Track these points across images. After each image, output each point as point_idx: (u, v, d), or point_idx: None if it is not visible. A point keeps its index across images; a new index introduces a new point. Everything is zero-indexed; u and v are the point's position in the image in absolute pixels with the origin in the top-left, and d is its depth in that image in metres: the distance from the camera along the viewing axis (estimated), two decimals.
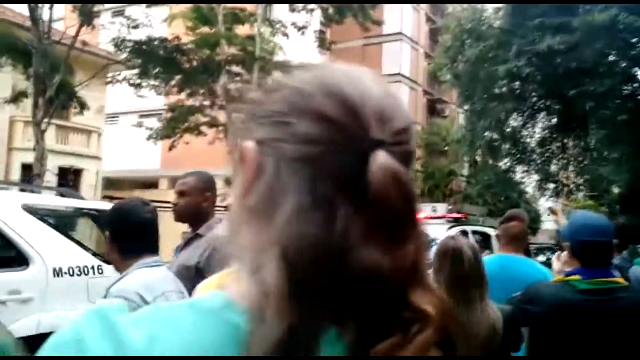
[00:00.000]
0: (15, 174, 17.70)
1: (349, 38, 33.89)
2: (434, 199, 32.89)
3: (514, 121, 22.56)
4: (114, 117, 26.78)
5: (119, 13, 15.73)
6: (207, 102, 16.49)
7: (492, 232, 10.66)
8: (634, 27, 14.83)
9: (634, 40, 16.65)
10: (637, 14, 14.51)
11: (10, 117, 17.23)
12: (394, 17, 36.61)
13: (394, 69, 36.94)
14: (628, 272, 3.78)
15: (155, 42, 15.32)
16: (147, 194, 17.19)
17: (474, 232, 10.03)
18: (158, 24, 17.86)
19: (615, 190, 28.56)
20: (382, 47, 37.44)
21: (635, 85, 18.25)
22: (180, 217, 2.82)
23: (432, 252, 2.48)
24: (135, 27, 15.07)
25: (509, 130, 22.47)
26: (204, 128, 17.63)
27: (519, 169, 24.01)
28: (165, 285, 2.01)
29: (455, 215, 11.46)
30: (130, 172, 27.41)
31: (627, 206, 23.98)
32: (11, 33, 12.48)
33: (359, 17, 16.46)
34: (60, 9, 14.91)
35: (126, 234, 2.11)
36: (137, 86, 16.10)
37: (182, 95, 17.13)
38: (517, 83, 20.24)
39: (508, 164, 23.76)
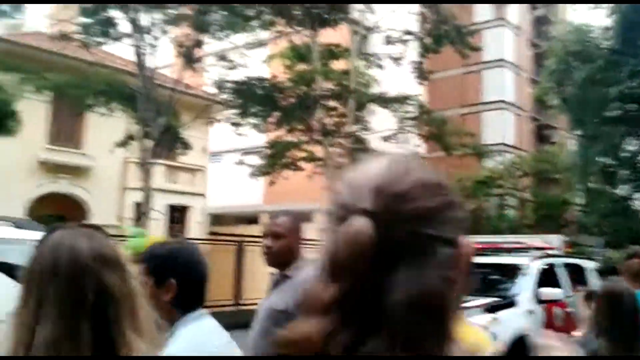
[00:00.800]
0: (128, 212, 18.73)
1: (448, 67, 33.34)
2: (547, 229, 31.06)
3: (631, 145, 20.92)
4: (217, 155, 27.83)
5: (221, 57, 16.40)
6: (304, 138, 16.67)
7: (587, 264, 9.64)
8: None
9: None
10: None
11: (124, 158, 18.33)
12: (494, 44, 35.65)
13: (496, 96, 35.78)
14: None
15: (253, 82, 15.75)
16: (250, 229, 17.57)
17: (566, 265, 8.97)
18: (258, 65, 18.49)
19: None
20: (482, 74, 36.46)
21: None
22: (275, 261, 2.69)
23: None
24: (233, 68, 15.58)
25: (625, 155, 20.86)
26: (301, 163, 17.80)
27: (638, 195, 22.16)
28: (216, 341, 1.84)
29: (541, 245, 10.03)
30: (234, 208, 28.23)
31: None
32: (119, 79, 13.30)
33: (457, 45, 16.03)
34: (166, 55, 15.76)
35: (194, 284, 1.90)
36: (237, 125, 16.59)
37: (281, 132, 17.45)
38: (633, 105, 18.80)
39: (626, 191, 21.98)
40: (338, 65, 17.38)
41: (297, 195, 24.97)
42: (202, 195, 21.77)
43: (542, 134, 39.18)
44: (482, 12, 33.98)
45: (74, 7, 13.82)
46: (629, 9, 16.87)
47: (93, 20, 13.20)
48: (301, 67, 16.96)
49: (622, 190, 22.28)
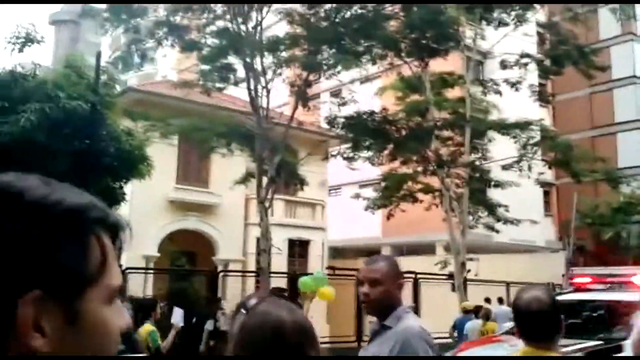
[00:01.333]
0: (252, 247, 19.34)
1: (574, 88, 31.50)
2: None
3: None
4: (336, 189, 28.12)
5: (335, 93, 16.70)
6: (419, 169, 16.35)
7: None
8: None
9: None
10: None
11: (246, 195, 19.04)
12: (624, 60, 33.26)
13: (631, 116, 33.16)
14: None
15: (364, 116, 15.76)
16: None
17: None
18: (370, 98, 18.56)
19: None
20: (613, 93, 34.00)
21: None
22: (374, 309, 2.53)
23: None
24: (344, 104, 15.74)
25: None
26: (419, 194, 17.45)
27: None
28: None
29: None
30: (354, 241, 28.27)
31: None
32: (237, 121, 13.91)
33: (581, 66, 15.05)
34: (281, 95, 16.29)
35: None
36: (350, 159, 16.64)
37: (395, 164, 17.27)
38: None
39: None
40: (453, 93, 16.98)
41: (416, 227, 24.48)
42: (321, 229, 22.01)
43: None
44: (608, 28, 31.83)
45: (195, 56, 14.74)
46: None
47: (212, 66, 13.97)
48: (413, 97, 16.77)
49: None
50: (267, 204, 13.14)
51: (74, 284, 0.62)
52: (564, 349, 5.83)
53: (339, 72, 14.36)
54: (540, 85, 17.82)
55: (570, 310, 7.83)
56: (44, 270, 0.60)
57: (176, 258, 17.39)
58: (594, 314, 7.23)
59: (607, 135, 33.33)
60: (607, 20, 26.09)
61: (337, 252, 26.59)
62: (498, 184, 16.71)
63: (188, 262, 18.05)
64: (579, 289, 7.97)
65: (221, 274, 16.84)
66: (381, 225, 27.12)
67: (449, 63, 16.80)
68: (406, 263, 18.85)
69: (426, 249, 24.26)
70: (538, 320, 2.35)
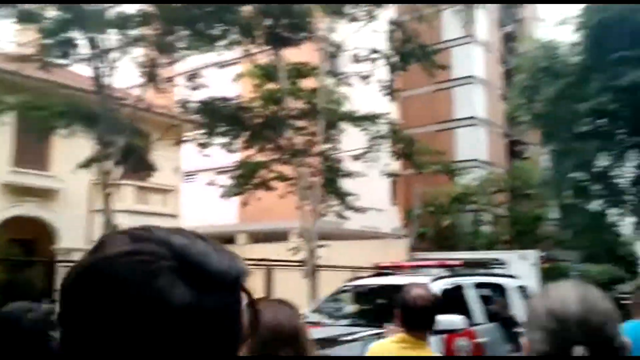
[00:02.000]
0: (97, 235, 18.23)
1: (419, 85, 33.56)
2: (522, 245, 31.16)
3: (603, 160, 21.08)
4: (192, 175, 27.47)
5: (189, 77, 16.19)
6: (274, 157, 16.44)
7: (508, 282, 8.38)
8: None
9: None
10: None
11: (91, 180, 17.91)
12: (463, 61, 36.01)
13: (467, 113, 36.05)
14: None
15: (218, 101, 15.49)
16: None
17: (479, 285, 7.49)
18: (228, 84, 18.30)
19: None
20: (453, 91, 36.76)
21: None
22: None
23: None
24: (196, 88, 15.37)
25: (597, 170, 21.00)
26: (273, 182, 17.55)
27: (613, 211, 22.28)
28: None
29: (443, 262, 8.29)
30: (209, 228, 27.83)
31: None
32: (79, 100, 12.98)
33: (424, 64, 16.02)
34: (133, 76, 15.50)
35: None
36: (204, 145, 16.28)
37: (251, 152, 17.22)
38: (603, 120, 18.97)
39: (600, 206, 22.10)
40: (307, 84, 17.27)
41: (270, 214, 24.71)
42: (174, 216, 21.36)
43: (514, 150, 39.53)
44: (451, 30, 34.34)
45: (35, 28, 13.50)
46: (595, 25, 17.07)
47: (53, 40, 12.87)
48: (269, 86, 16.81)
49: (595, 205, 22.40)
50: (111, 190, 12.43)
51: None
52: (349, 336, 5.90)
53: (192, 55, 13.96)
54: (389, 81, 18.74)
55: (366, 296, 7.93)
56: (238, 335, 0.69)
57: (9, 247, 15.92)
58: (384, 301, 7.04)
59: (447, 130, 35.98)
60: (449, 23, 28.09)
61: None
62: (348, 174, 17.30)
63: (24, 251, 16.66)
64: (380, 273, 8.00)
65: (59, 264, 15.67)
66: (237, 212, 27.02)
67: (305, 53, 17.04)
68: (260, 250, 19.00)
69: (280, 236, 24.55)
70: (421, 314, 2.79)
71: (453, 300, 6.69)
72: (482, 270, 8.89)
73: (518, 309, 7.65)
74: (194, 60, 15.64)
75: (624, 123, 18.60)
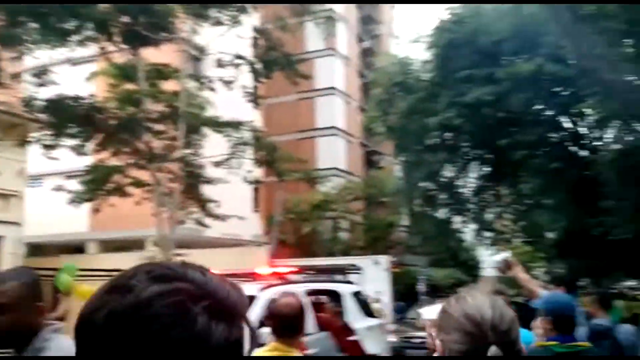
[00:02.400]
0: None
1: (283, 93, 33.90)
2: (375, 251, 32.56)
3: (449, 171, 22.66)
4: (38, 179, 25.34)
5: (40, 74, 14.84)
6: (130, 162, 15.57)
7: (343, 288, 8.25)
8: (558, 77, 15.14)
9: (558, 89, 17.05)
10: (562, 62, 14.84)
11: None
12: (325, 73, 37.04)
13: (329, 123, 37.06)
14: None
15: (68, 101, 14.34)
16: (75, 259, 15.93)
17: (313, 292, 7.19)
18: (82, 83, 17.07)
19: (551, 235, 28.95)
20: (315, 101, 37.62)
21: (563, 133, 18.64)
22: (3, 340, 2.02)
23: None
24: (42, 85, 14.17)
25: (443, 180, 22.53)
26: (130, 188, 16.66)
27: (457, 218, 24.00)
28: None
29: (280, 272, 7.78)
30: (57, 236, 25.82)
31: (564, 251, 24.21)
32: None
33: (287, 72, 16.16)
34: None
35: None
36: (50, 147, 14.99)
37: (105, 155, 16.19)
38: (449, 134, 20.38)
39: (446, 214, 23.72)
40: (169, 86, 16.67)
41: (125, 222, 23.42)
42: (17, 223, 19.44)
43: (371, 160, 41.32)
44: (314, 42, 35.23)
45: None
46: (445, 44, 18.32)
47: None
48: (127, 86, 15.97)
49: (442, 213, 23.96)
50: None
51: None
52: None
53: (41, 50, 12.81)
54: (253, 87, 18.70)
55: None
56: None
57: None
58: None
59: (309, 139, 36.71)
60: (313, 34, 28.78)
61: (36, 249, 23.91)
62: (209, 181, 16.92)
63: None
64: None
65: None
66: (88, 219, 25.30)
67: (166, 55, 16.43)
68: (112, 260, 17.90)
69: (136, 245, 23.39)
70: (289, 321, 2.89)
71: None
72: (321, 277, 8.86)
73: (354, 315, 7.75)
74: (44, 55, 14.39)
75: (467, 137, 20.12)
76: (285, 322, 2.90)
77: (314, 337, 6.66)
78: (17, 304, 1.98)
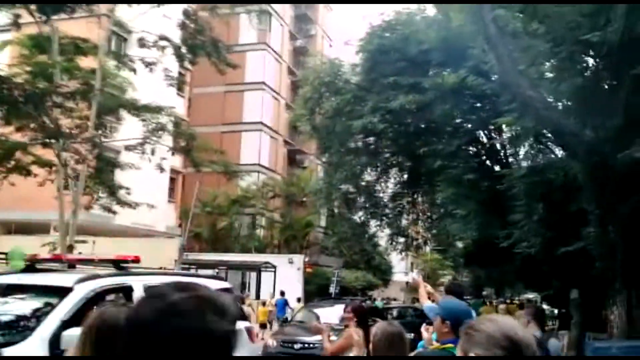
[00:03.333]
0: None
1: (210, 84, 33.22)
2: (291, 249, 32.48)
3: (369, 175, 22.87)
4: None
5: None
6: (36, 139, 14.55)
7: (134, 282, 5.67)
8: (480, 90, 15.53)
9: (479, 104, 17.54)
10: (485, 76, 15.23)
11: None
12: (256, 67, 36.60)
13: (255, 118, 36.66)
14: None
15: None
16: None
17: (110, 291, 5.44)
18: None
19: (459, 244, 29.86)
20: (243, 95, 37.12)
21: (480, 146, 19.20)
22: None
23: None
24: None
25: (363, 183, 22.70)
26: (32, 167, 15.61)
27: (373, 222, 24.26)
28: None
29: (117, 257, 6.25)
30: None
31: (470, 260, 25.01)
32: None
33: (213, 59, 15.64)
34: None
35: None
36: None
37: (8, 130, 15.06)
38: (372, 138, 20.55)
39: (363, 217, 23.91)
40: (87, 63, 15.77)
41: (28, 203, 22.06)
42: None
43: (294, 158, 41.22)
44: (246, 35, 34.75)
45: None
46: (374, 49, 18.43)
47: None
48: (40, 58, 14.96)
49: (359, 216, 24.14)
50: None
51: None
52: None
53: None
54: (180, 74, 18.05)
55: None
56: None
57: None
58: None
59: (235, 132, 36.16)
60: (246, 27, 28.32)
61: None
62: (120, 165, 16.15)
63: None
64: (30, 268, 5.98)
65: None
66: None
67: (87, 30, 15.55)
68: (11, 242, 16.72)
69: (40, 229, 22.08)
70: None
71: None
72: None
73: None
74: None
75: (389, 143, 20.37)
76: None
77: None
78: None
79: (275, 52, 38.68)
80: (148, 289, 1.19)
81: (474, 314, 3.89)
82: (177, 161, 26.49)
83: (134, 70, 15.90)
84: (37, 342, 4.59)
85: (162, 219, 26.88)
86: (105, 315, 2.16)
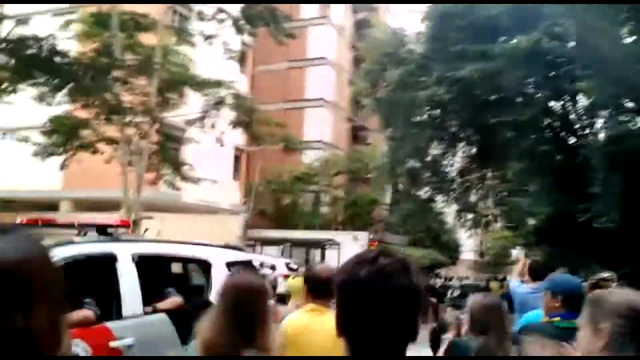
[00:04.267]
0: None
1: (273, 61, 33.04)
2: (355, 227, 32.17)
3: (435, 149, 22.08)
4: (9, 132, 24.64)
5: (23, 22, 13.88)
6: (101, 116, 14.71)
7: (119, 251, 4.95)
8: (554, 55, 14.49)
9: (552, 72, 16.44)
10: (560, 40, 14.21)
11: None
12: (318, 42, 36.14)
13: (318, 94, 36.29)
14: None
15: (32, 41, 13.05)
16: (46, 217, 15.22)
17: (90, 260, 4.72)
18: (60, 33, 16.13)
19: (531, 222, 28.66)
20: (305, 71, 36.79)
21: (554, 117, 18.08)
22: None
23: None
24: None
25: (429, 158, 21.96)
26: (100, 145, 15.87)
27: (439, 198, 23.53)
28: None
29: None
30: (27, 193, 25.06)
31: (542, 237, 23.90)
32: None
33: (272, 30, 15.28)
34: None
35: None
36: (11, 92, 13.94)
37: (73, 107, 15.33)
38: (438, 111, 19.73)
39: (428, 193, 23.21)
40: (148, 39, 15.81)
41: (101, 180, 22.67)
42: None
43: (357, 135, 40.69)
44: (308, 9, 34.26)
45: None
46: (439, 16, 17.57)
47: None
48: (103, 36, 15.08)
49: (425, 192, 23.45)
50: None
51: None
52: None
53: None
54: (242, 51, 17.86)
55: None
56: None
57: None
58: None
59: (298, 109, 35.97)
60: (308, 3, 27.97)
61: (6, 205, 23.18)
62: (182, 141, 16.19)
63: None
64: None
65: None
66: (62, 176, 24.50)
67: (146, 6, 15.57)
68: (84, 219, 17.21)
69: (110, 206, 22.76)
70: (326, 285, 3.01)
71: (93, 277, 4.63)
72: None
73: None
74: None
75: (456, 115, 19.51)
76: (322, 285, 3.19)
77: (133, 321, 4.66)
78: None
79: (337, 26, 38.03)
80: (357, 256, 1.32)
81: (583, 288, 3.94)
82: (241, 139, 26.57)
83: (193, 45, 15.80)
84: None
85: (226, 196, 27.14)
86: (238, 281, 2.55)
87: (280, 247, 22.83)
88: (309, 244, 27.37)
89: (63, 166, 16.10)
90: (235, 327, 2.27)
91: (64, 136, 14.90)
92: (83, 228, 5.46)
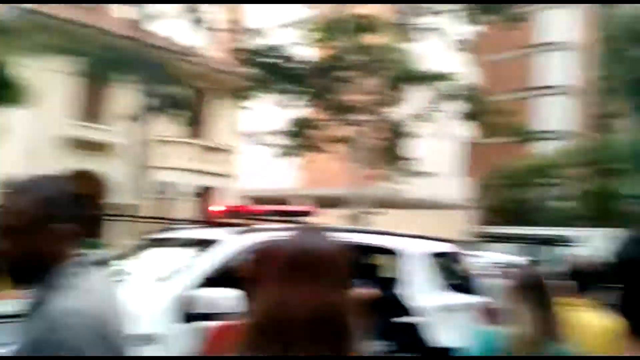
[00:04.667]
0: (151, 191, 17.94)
1: (500, 50, 31.53)
2: (601, 223, 29.00)
3: None
4: (257, 135, 27.24)
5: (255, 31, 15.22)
6: (334, 117, 15.29)
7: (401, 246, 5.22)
8: None
9: None
10: None
11: (145, 135, 17.51)
12: (553, 26, 33.63)
13: (551, 81, 33.69)
14: None
15: (281, 53, 13.97)
16: None
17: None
18: (294, 41, 17.31)
19: None
20: (536, 58, 34.40)
21: None
22: (13, 272, 1.47)
23: None
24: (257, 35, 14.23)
25: None
26: (333, 145, 16.55)
27: None
28: None
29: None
30: (272, 191, 27.40)
31: None
32: (119, 46, 12.23)
33: (500, 17, 14.30)
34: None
35: None
36: (257, 99, 15.22)
37: (310, 110, 16.20)
38: None
39: None
40: (373, 39, 16.04)
41: (336, 179, 23.80)
42: (231, 176, 20.82)
43: (600, 122, 36.81)
44: None
45: None
46: None
47: None
48: (337, 41, 15.62)
49: None
50: (148, 144, 11.80)
51: None
52: None
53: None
54: (468, 36, 17.15)
55: None
56: None
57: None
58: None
59: (533, 97, 33.87)
60: None
61: (256, 202, 25.69)
62: (411, 137, 16.04)
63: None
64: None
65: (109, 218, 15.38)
66: (298, 176, 26.29)
67: (371, 7, 15.78)
68: (320, 217, 18.17)
69: (344, 203, 23.86)
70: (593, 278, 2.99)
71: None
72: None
73: (419, 286, 4.94)
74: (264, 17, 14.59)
75: None
76: (590, 279, 2.95)
77: None
78: (23, 226, 1.43)
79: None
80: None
81: None
82: (469, 132, 25.73)
83: (419, 40, 15.56)
84: (163, 301, 3.78)
85: (453, 191, 26.50)
86: (535, 272, 2.61)
87: (513, 244, 21.49)
88: (552, 242, 25.29)
89: (301, 167, 17.13)
90: (539, 321, 2.30)
91: (307, 137, 15.79)
92: (269, 216, 5.42)
